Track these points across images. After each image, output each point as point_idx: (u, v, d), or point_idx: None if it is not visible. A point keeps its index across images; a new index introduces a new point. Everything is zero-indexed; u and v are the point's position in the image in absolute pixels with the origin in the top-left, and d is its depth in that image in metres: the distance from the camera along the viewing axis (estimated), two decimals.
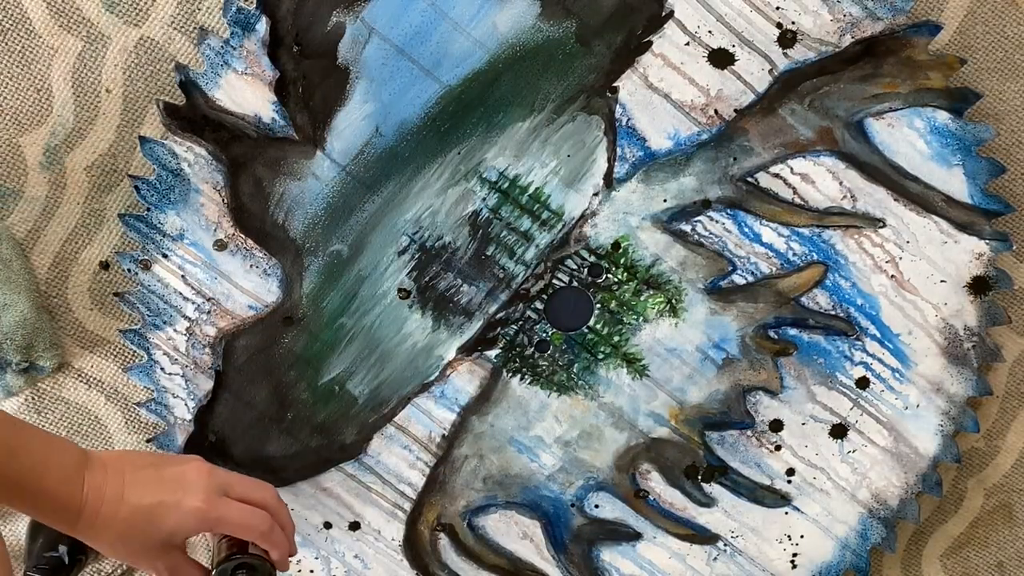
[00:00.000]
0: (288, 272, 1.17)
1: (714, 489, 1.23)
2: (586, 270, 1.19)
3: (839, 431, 1.23)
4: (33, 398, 1.26)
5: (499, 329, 1.19)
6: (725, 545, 1.25)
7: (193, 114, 1.13)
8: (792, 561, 1.25)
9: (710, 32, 1.15)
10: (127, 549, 0.86)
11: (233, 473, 0.97)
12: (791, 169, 1.18)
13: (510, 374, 1.21)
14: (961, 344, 1.21)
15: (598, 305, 1.19)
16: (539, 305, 1.19)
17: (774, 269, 1.19)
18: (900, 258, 1.19)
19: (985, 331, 1.21)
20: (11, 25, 1.17)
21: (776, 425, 1.22)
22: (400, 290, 1.15)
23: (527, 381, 1.21)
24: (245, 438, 1.21)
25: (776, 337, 1.21)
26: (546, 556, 1.25)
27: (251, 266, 1.17)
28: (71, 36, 1.18)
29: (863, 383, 1.22)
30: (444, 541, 1.24)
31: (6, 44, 1.18)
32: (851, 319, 1.20)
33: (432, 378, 1.20)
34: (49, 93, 1.19)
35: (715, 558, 1.25)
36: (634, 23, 1.14)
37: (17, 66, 1.18)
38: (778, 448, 1.23)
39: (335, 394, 1.20)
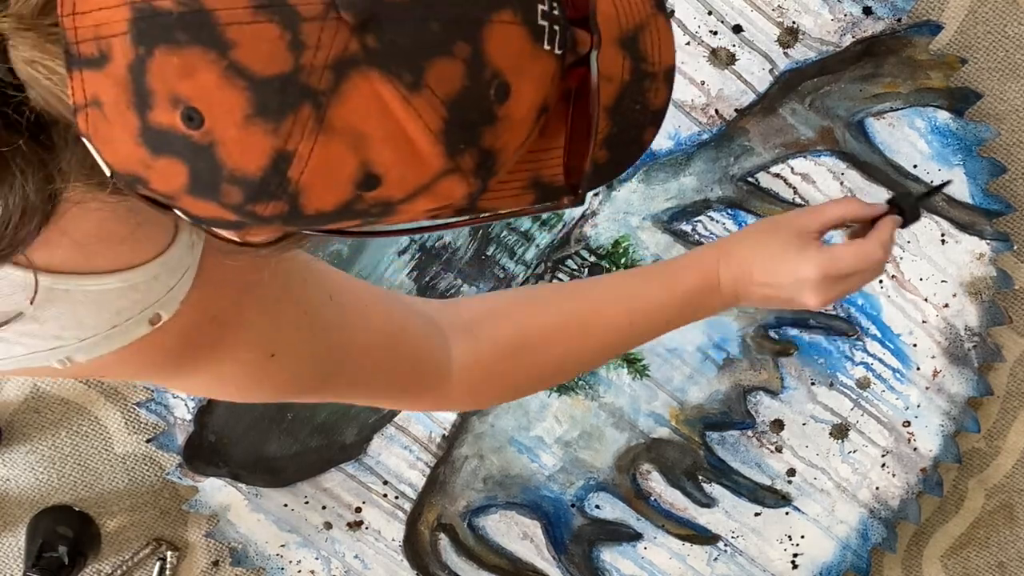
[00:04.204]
0: None
1: (714, 489, 1.23)
2: (586, 270, 1.19)
3: (840, 431, 1.23)
4: (33, 398, 1.26)
5: None
6: (725, 545, 1.25)
7: None
8: (793, 561, 1.25)
9: (711, 32, 1.15)
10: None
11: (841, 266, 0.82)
12: (792, 169, 1.18)
13: None
14: (962, 344, 1.21)
15: None
16: None
17: None
18: (901, 258, 1.19)
19: (986, 331, 1.21)
20: None
21: (777, 425, 1.22)
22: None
23: None
24: (245, 438, 1.21)
25: (777, 337, 1.21)
26: (546, 556, 1.25)
27: None
28: None
29: (864, 383, 1.21)
30: (444, 541, 1.24)
31: None
32: (852, 319, 1.20)
33: None
34: None
35: (715, 558, 1.25)
36: None
37: None
38: (779, 448, 1.23)
39: None
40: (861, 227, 0.81)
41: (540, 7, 0.51)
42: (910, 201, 0.79)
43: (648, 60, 0.59)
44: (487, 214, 0.55)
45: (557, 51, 0.51)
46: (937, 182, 1.01)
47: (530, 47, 0.51)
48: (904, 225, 0.79)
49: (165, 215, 0.51)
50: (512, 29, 0.50)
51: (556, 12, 0.51)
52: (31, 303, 0.56)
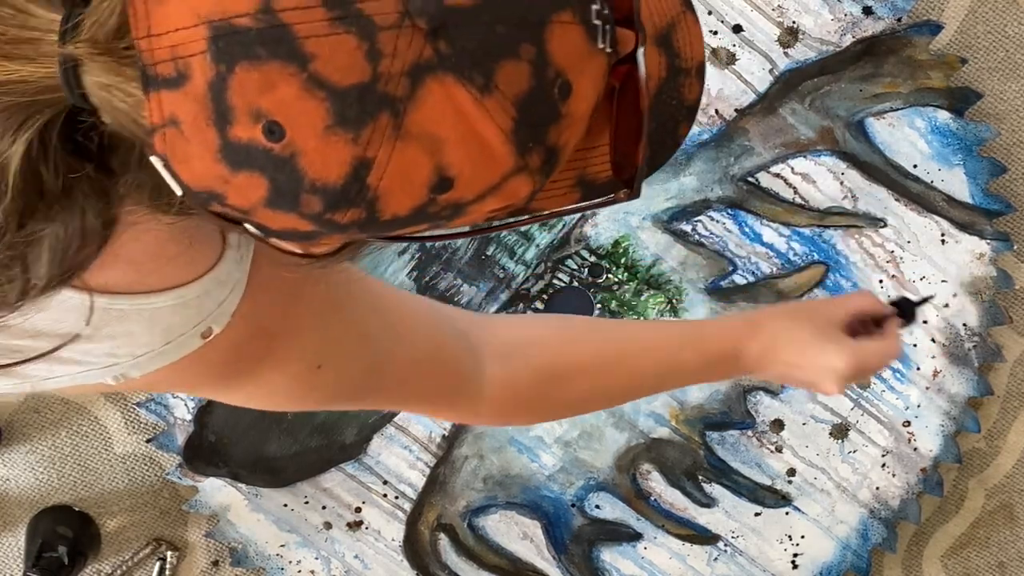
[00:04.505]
0: None
1: (715, 489, 1.23)
2: (586, 270, 1.19)
3: (840, 431, 1.23)
4: (33, 398, 1.26)
5: None
6: (726, 545, 1.25)
7: None
8: (793, 561, 1.25)
9: (711, 32, 1.15)
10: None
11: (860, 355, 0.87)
12: (792, 169, 1.18)
13: None
14: (962, 344, 1.21)
15: (599, 305, 1.19)
16: (539, 305, 1.19)
17: (775, 269, 1.19)
18: (901, 258, 1.19)
19: (986, 331, 1.21)
20: None
21: (777, 425, 1.22)
22: None
23: None
24: (245, 438, 1.20)
25: None
26: (546, 556, 1.25)
27: None
28: None
29: (864, 383, 1.21)
30: (444, 541, 1.24)
31: None
32: None
33: None
34: None
35: (716, 558, 1.25)
36: None
37: None
38: (779, 448, 1.23)
39: None
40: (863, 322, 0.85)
41: (594, 7, 0.52)
42: (910, 306, 0.85)
43: (682, 56, 0.61)
44: (543, 214, 0.57)
45: (608, 49, 0.53)
46: (927, 294, 1.08)
47: (587, 46, 0.52)
48: (903, 326, 0.85)
49: (221, 230, 0.53)
50: (572, 29, 0.51)
51: (606, 11, 0.53)
52: (87, 324, 0.57)
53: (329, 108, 0.48)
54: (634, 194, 0.56)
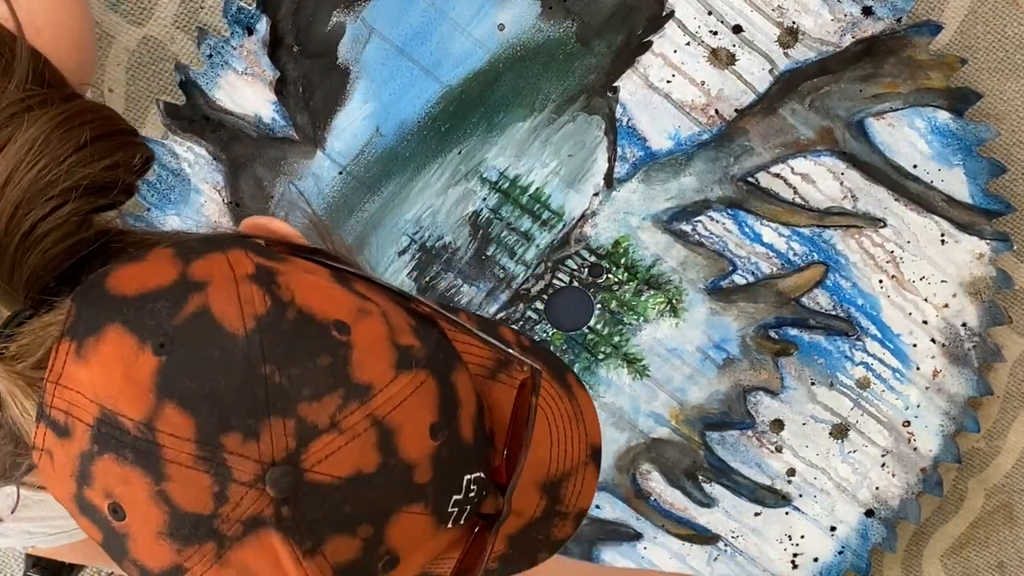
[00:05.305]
0: None
1: (715, 489, 1.23)
2: (586, 270, 1.19)
3: (840, 431, 1.23)
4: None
5: None
6: (725, 545, 1.25)
7: (193, 114, 1.13)
8: (793, 561, 1.25)
9: (711, 32, 1.15)
10: None
11: None
12: (792, 169, 1.18)
13: None
14: (962, 344, 1.21)
15: (598, 305, 1.19)
16: (539, 305, 1.19)
17: (775, 269, 1.19)
18: (901, 258, 1.19)
19: (986, 331, 1.21)
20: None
21: (777, 425, 1.22)
22: None
23: None
24: None
25: (777, 337, 1.21)
26: None
27: None
28: None
29: (864, 383, 1.21)
30: None
31: None
32: (852, 319, 1.20)
33: None
34: None
35: (715, 558, 1.25)
36: (634, 23, 1.14)
37: None
38: (779, 448, 1.23)
39: None
40: None
41: (455, 497, 0.55)
42: None
43: (564, 503, 0.64)
44: None
45: (460, 524, 0.55)
46: None
47: (432, 530, 0.55)
48: None
49: None
50: (419, 518, 0.54)
51: (472, 495, 0.55)
52: (12, 512, 0.64)
53: (167, 520, 0.52)
54: None
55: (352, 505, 0.52)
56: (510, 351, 0.58)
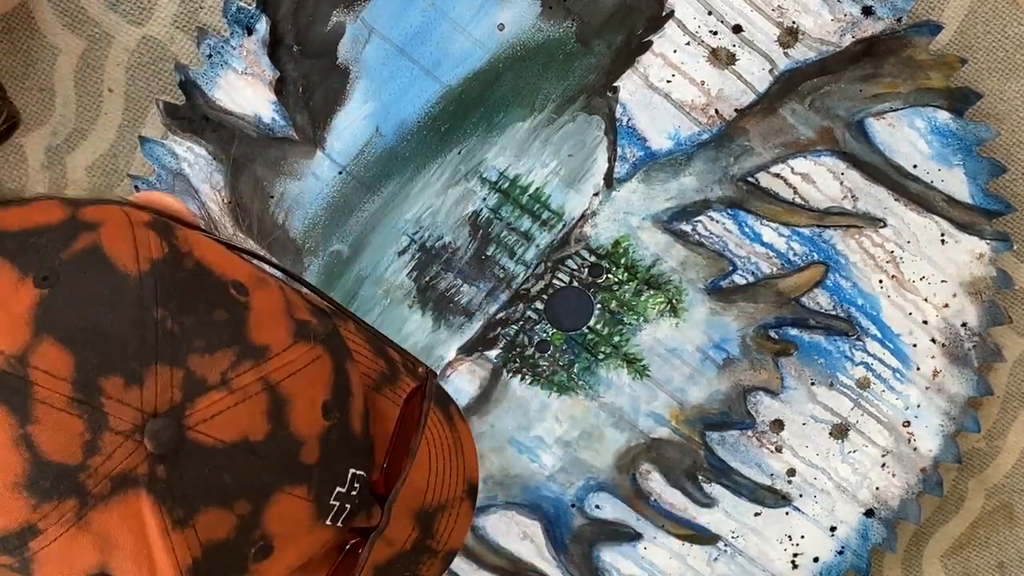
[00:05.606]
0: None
1: (715, 489, 1.23)
2: (586, 270, 1.19)
3: (840, 431, 1.23)
4: None
5: (499, 329, 1.20)
6: (726, 545, 1.25)
7: (193, 114, 1.13)
8: (793, 561, 1.25)
9: (711, 32, 1.15)
10: None
11: None
12: (792, 169, 1.18)
13: (510, 374, 1.21)
14: (962, 344, 1.21)
15: (598, 305, 1.19)
16: (539, 305, 1.19)
17: (775, 269, 1.19)
18: (901, 258, 1.19)
19: (986, 331, 1.21)
20: (16, 23, 1.18)
21: (777, 425, 1.22)
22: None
23: (527, 381, 1.21)
24: None
25: (777, 337, 1.21)
26: (546, 556, 1.25)
27: None
28: (75, 35, 1.18)
29: (864, 383, 1.21)
30: None
31: (12, 43, 1.18)
32: (852, 319, 1.20)
33: None
34: (52, 92, 1.19)
35: (715, 558, 1.25)
36: (634, 23, 1.14)
37: (21, 65, 1.18)
38: (779, 448, 1.23)
39: None
40: None
41: (338, 489, 0.52)
42: None
43: (435, 538, 0.61)
44: None
45: (339, 525, 0.53)
46: None
47: (310, 521, 0.52)
48: None
49: None
50: (300, 504, 0.51)
51: (355, 493, 0.52)
52: None
53: (27, 468, 0.48)
54: None
55: (233, 475, 0.49)
56: (403, 354, 0.56)
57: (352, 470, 0.53)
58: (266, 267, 0.57)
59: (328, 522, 0.52)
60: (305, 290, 0.59)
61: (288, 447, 0.50)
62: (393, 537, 0.58)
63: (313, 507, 0.51)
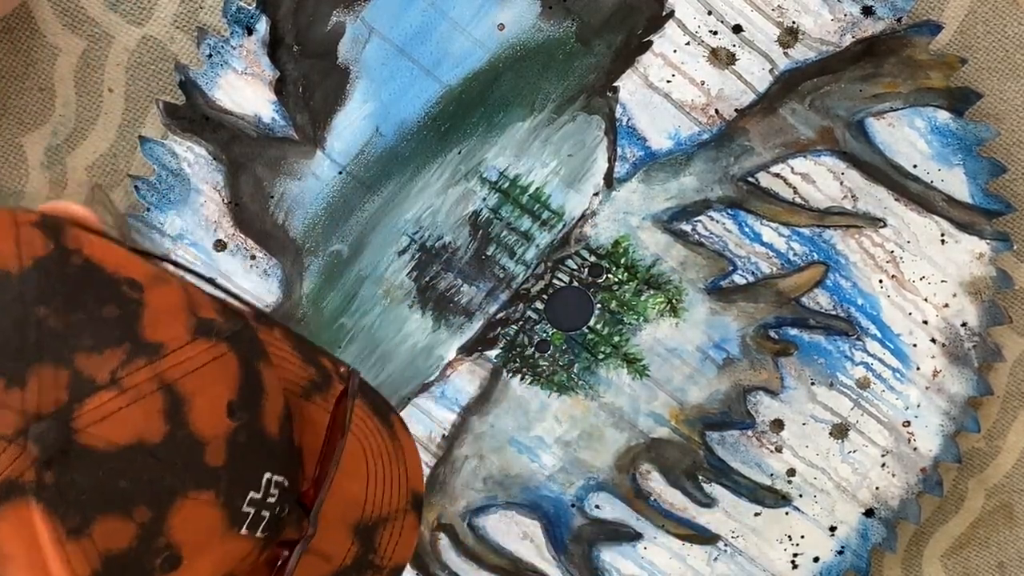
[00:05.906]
0: (288, 272, 1.17)
1: (715, 489, 1.23)
2: (586, 270, 1.19)
3: (840, 431, 1.23)
4: None
5: (499, 329, 1.20)
6: (726, 545, 1.25)
7: (193, 114, 1.13)
8: (793, 561, 1.25)
9: (711, 32, 1.15)
10: None
11: None
12: (792, 169, 1.18)
13: (510, 374, 1.21)
14: (962, 344, 1.21)
15: (598, 305, 1.19)
16: (539, 305, 1.19)
17: (775, 269, 1.19)
18: (901, 258, 1.19)
19: (986, 331, 1.21)
20: (17, 23, 1.18)
21: (777, 425, 1.22)
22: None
23: (527, 381, 1.21)
24: None
25: (777, 337, 1.21)
26: (546, 556, 1.25)
27: (251, 266, 1.17)
28: (75, 35, 1.18)
29: (864, 383, 1.21)
30: (444, 541, 1.24)
31: (12, 43, 1.18)
32: (852, 319, 1.20)
33: (432, 378, 1.20)
34: (52, 92, 1.19)
35: (715, 558, 1.25)
36: (634, 23, 1.14)
37: (22, 65, 1.18)
38: (779, 448, 1.23)
39: None
40: None
41: (252, 494, 0.50)
42: None
43: (379, 553, 0.58)
44: None
45: (258, 535, 0.50)
46: None
47: (222, 529, 0.49)
48: None
49: None
50: (207, 509, 0.48)
51: (272, 499, 0.49)
52: None
53: None
54: None
55: (130, 480, 0.46)
56: (334, 361, 0.52)
57: (268, 474, 0.50)
58: (180, 271, 0.55)
59: (244, 531, 0.50)
60: (221, 294, 0.57)
61: (190, 448, 0.48)
62: (330, 552, 0.55)
63: (224, 513, 0.49)
